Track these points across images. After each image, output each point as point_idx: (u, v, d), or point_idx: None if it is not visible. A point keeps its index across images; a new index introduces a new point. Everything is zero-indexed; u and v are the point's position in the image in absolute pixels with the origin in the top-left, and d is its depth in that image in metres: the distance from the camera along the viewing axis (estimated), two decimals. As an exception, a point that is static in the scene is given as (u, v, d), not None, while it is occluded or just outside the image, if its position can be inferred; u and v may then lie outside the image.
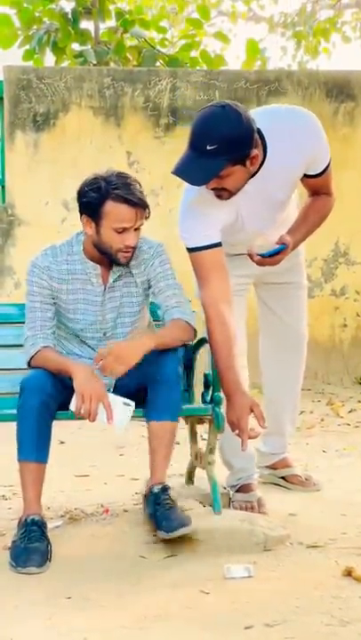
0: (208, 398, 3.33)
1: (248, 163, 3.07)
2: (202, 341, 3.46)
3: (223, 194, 3.13)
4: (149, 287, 3.27)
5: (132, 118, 6.28)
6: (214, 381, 3.28)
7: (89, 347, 3.28)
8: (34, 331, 3.21)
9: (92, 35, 7.39)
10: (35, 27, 7.28)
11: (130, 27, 7.27)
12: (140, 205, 3.08)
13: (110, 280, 3.22)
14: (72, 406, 3.02)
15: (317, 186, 3.39)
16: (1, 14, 7.23)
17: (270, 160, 3.17)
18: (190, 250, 3.21)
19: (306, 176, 3.32)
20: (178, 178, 3.06)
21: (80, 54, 7.22)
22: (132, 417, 3.09)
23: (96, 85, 6.28)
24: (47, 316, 3.22)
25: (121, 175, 3.12)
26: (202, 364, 3.53)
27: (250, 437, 3.08)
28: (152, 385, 3.13)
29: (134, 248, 3.15)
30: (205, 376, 3.35)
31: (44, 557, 2.96)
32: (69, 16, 7.24)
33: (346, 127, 6.37)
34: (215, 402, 3.28)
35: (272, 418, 3.80)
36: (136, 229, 3.12)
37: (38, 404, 3.03)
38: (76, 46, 7.37)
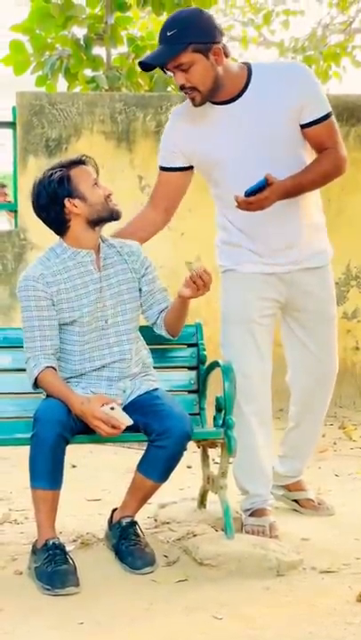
0: (220, 422, 3.33)
1: (212, 57, 3.24)
2: (213, 365, 3.46)
3: (194, 95, 3.28)
4: (143, 276, 3.37)
5: (143, 143, 6.30)
6: (226, 405, 3.28)
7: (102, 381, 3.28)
8: (34, 351, 3.19)
9: (104, 60, 7.44)
10: (47, 53, 7.34)
11: (141, 52, 7.32)
12: (86, 161, 3.34)
13: (102, 264, 3.29)
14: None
15: (319, 138, 3.37)
16: (14, 41, 7.30)
17: (254, 89, 3.31)
18: (160, 169, 3.60)
19: (305, 126, 3.33)
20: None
21: (92, 80, 7.27)
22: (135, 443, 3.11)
23: (108, 110, 6.32)
24: (46, 334, 3.20)
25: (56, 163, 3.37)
26: (213, 388, 3.54)
27: None
28: (154, 445, 3.14)
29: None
30: (217, 399, 3.34)
31: (77, 577, 2.97)
32: (81, 42, 7.29)
33: (357, 151, 6.37)
34: (227, 425, 3.27)
35: (293, 443, 3.79)
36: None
37: (54, 437, 3.03)
38: (88, 72, 7.42)
